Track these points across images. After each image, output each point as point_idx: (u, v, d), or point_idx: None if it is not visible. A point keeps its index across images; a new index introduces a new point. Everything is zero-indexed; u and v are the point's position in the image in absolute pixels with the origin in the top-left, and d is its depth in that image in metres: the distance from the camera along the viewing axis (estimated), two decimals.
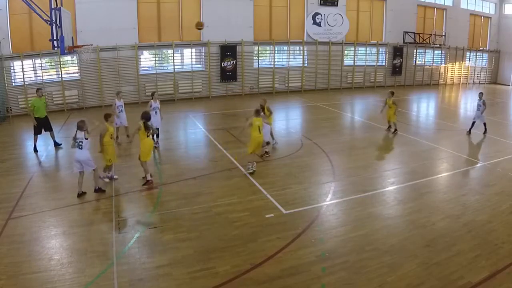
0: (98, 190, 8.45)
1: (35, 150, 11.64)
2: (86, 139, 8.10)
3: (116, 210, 7.66)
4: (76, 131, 8.11)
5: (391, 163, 11.04)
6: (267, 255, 6.09)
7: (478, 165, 10.65)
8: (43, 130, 11.79)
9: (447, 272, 5.65)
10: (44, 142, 13.04)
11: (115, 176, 9.25)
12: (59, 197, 8.30)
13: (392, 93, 13.78)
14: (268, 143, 11.46)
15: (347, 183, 9.20)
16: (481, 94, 14.04)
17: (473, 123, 14.05)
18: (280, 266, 5.80)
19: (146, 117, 8.74)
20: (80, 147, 8.08)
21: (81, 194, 8.24)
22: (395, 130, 13.91)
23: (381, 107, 14.21)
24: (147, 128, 8.67)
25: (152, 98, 11.91)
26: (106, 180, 9.00)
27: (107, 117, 8.76)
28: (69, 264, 5.80)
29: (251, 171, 9.61)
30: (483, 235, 6.73)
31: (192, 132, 14.39)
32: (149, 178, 8.85)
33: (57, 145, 12.07)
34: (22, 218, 7.29)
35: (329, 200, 8.21)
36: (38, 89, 12.03)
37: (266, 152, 11.14)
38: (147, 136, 8.74)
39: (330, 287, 5.36)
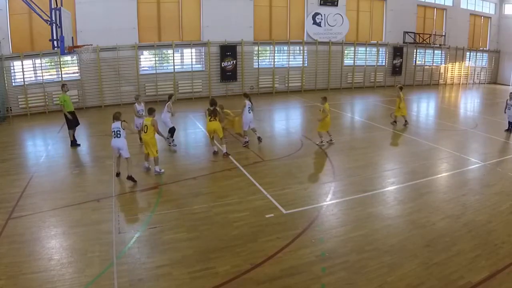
0: (131, 178, 8.93)
1: (76, 144, 12.09)
2: (123, 129, 9.00)
3: (116, 210, 7.66)
4: (113, 122, 9.02)
5: (391, 163, 11.04)
6: (267, 255, 6.09)
7: (478, 165, 10.64)
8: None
9: (447, 272, 5.64)
10: (44, 142, 13.06)
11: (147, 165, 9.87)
12: (59, 197, 8.30)
13: (401, 88, 14.78)
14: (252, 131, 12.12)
15: (347, 183, 9.19)
16: (511, 94, 14.20)
17: (510, 122, 14.26)
18: (280, 266, 5.79)
19: (212, 103, 10.71)
20: (118, 135, 8.94)
21: (118, 174, 9.31)
22: (403, 122, 14.98)
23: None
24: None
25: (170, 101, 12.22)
26: (160, 170, 9.60)
27: (151, 111, 9.46)
28: (69, 264, 5.80)
29: (323, 144, 12.05)
30: (483, 235, 6.73)
31: (192, 132, 14.38)
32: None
33: (75, 144, 12.15)
34: (22, 218, 7.30)
35: (329, 200, 8.21)
36: (63, 85, 12.28)
37: (246, 142, 11.88)
38: (210, 120, 10.63)
39: (330, 287, 5.37)
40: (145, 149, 9.55)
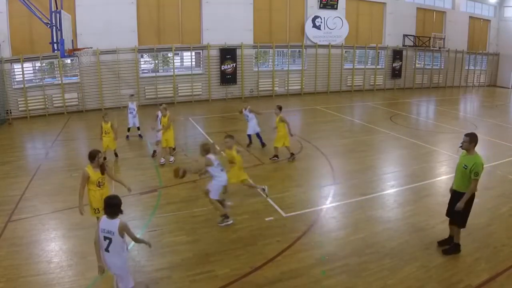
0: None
1: None
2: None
3: None
4: None
5: (391, 166, 11.04)
6: (267, 258, 6.08)
7: None
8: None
9: (447, 275, 5.64)
10: (44, 145, 13.06)
11: None
12: (59, 199, 8.29)
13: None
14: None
15: (346, 186, 9.19)
16: None
17: None
18: (280, 269, 5.79)
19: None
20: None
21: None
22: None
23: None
24: None
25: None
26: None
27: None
28: (68, 267, 5.80)
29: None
30: (483, 238, 6.73)
31: (191, 135, 14.38)
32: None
33: None
34: (22, 221, 7.29)
35: (329, 203, 8.21)
36: None
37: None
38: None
39: None
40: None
